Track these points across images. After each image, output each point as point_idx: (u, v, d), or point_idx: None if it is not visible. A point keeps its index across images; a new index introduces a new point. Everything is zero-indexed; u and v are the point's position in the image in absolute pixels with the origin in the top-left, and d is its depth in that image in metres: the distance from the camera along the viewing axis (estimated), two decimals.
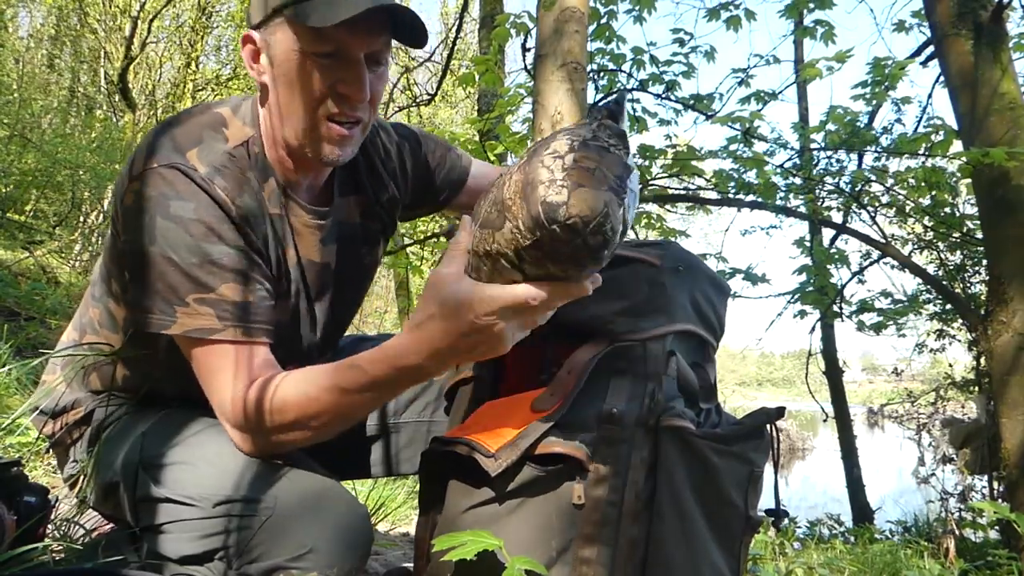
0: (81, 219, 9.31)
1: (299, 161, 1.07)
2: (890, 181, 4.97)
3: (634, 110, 4.65)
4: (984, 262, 4.80)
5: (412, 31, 1.02)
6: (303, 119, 1.01)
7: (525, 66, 4.48)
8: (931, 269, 5.89)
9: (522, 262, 0.75)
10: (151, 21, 10.10)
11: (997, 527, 4.37)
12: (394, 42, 1.05)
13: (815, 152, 5.06)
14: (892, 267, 6.07)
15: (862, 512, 6.67)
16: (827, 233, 6.29)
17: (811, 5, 4.33)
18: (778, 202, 4.78)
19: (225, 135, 1.03)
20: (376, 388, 0.90)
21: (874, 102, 4.53)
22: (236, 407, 0.94)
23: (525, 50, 3.86)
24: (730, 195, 4.85)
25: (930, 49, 4.79)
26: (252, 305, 0.98)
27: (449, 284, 0.81)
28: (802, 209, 5.09)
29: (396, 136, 1.27)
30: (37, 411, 1.19)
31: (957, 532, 4.57)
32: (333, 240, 1.15)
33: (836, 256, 5.56)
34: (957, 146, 3.89)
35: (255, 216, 1.02)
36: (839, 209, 5.51)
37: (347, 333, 1.33)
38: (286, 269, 1.09)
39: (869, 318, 6.21)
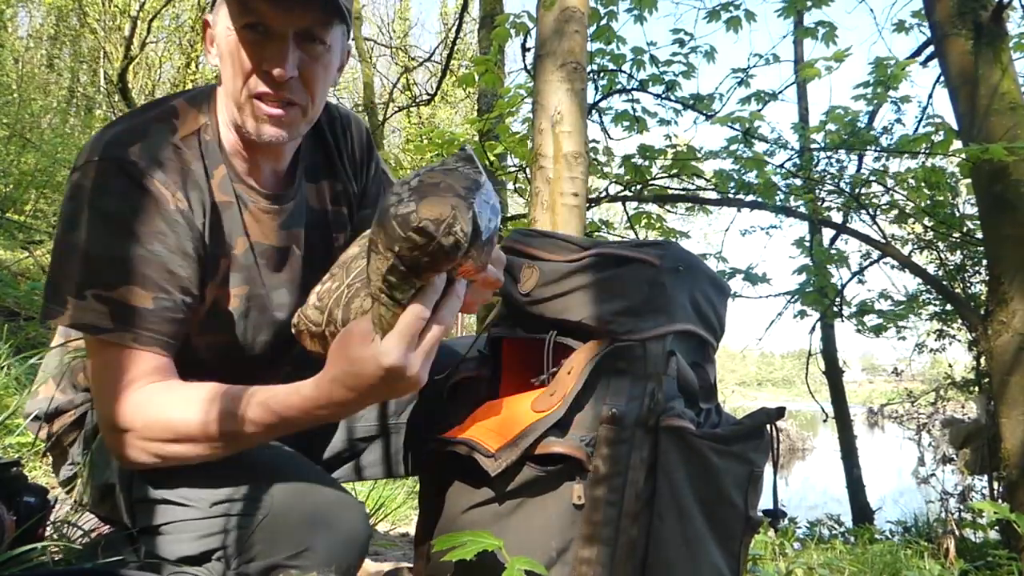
0: None
1: (248, 143, 1.06)
2: (890, 181, 4.98)
3: (634, 110, 4.66)
4: (984, 262, 4.80)
5: (333, 6, 0.99)
6: (236, 96, 1.00)
7: (525, 66, 4.48)
8: (931, 269, 5.89)
9: (393, 290, 0.79)
10: (151, 21, 10.11)
11: (997, 527, 4.37)
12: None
13: (815, 152, 5.06)
14: (892, 267, 6.08)
15: (862, 512, 6.67)
16: (827, 233, 6.30)
17: (808, 4, 4.33)
18: (778, 202, 4.78)
19: (175, 126, 1.02)
20: (282, 428, 0.90)
21: (875, 102, 4.53)
22: (113, 414, 0.92)
23: (525, 50, 3.86)
24: (730, 195, 4.85)
25: (930, 49, 4.80)
26: (151, 313, 0.94)
27: (353, 346, 0.83)
28: (802, 209, 5.10)
29: (367, 145, 1.27)
30: (31, 417, 1.19)
31: (957, 532, 4.57)
32: (299, 225, 1.14)
33: (836, 256, 5.57)
34: (957, 146, 3.90)
35: (197, 207, 1.01)
36: (839, 209, 5.51)
37: None
38: (230, 257, 1.06)
39: (869, 319, 6.21)
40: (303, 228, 1.15)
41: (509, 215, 5.54)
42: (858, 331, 6.24)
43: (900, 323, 6.43)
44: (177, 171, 1.00)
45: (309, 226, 1.16)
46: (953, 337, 6.68)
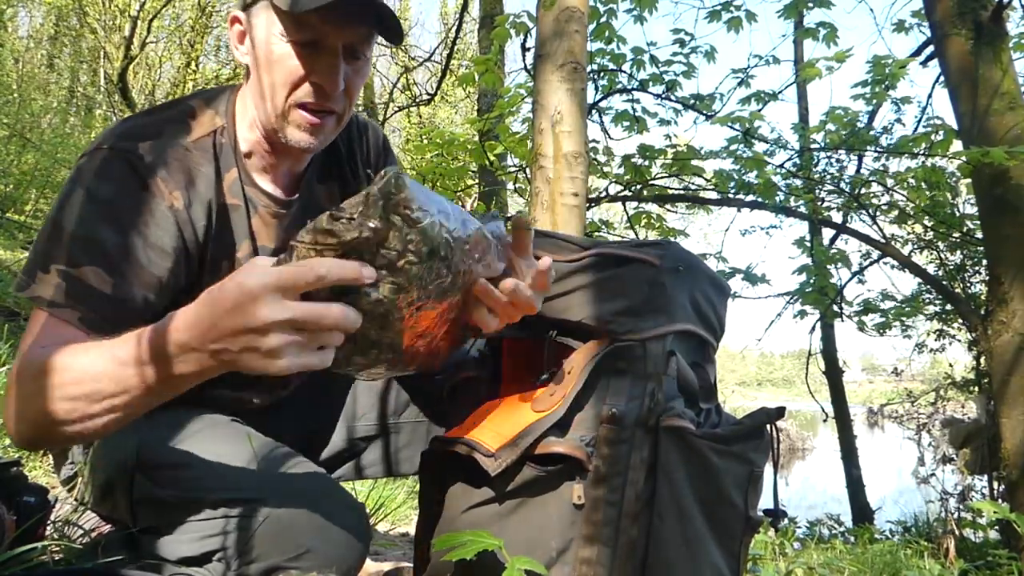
0: None
1: (275, 145, 1.07)
2: (890, 181, 4.98)
3: (634, 110, 4.66)
4: (984, 262, 4.80)
5: (388, 26, 1.01)
6: (276, 103, 1.01)
7: (525, 66, 4.48)
8: (931, 269, 5.89)
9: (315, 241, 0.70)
10: (151, 21, 10.11)
11: (997, 527, 4.37)
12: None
13: (815, 152, 5.06)
14: (892, 267, 6.08)
15: (862, 512, 6.67)
16: (827, 233, 6.30)
17: (810, 5, 4.33)
18: (778, 202, 4.78)
19: (189, 127, 1.03)
20: (144, 363, 0.78)
21: (874, 102, 4.53)
22: (12, 372, 0.87)
23: (525, 50, 3.86)
24: (730, 195, 4.85)
25: (930, 49, 4.79)
26: (108, 298, 0.91)
27: (242, 269, 0.74)
28: (802, 209, 5.09)
29: (383, 151, 1.27)
30: None
31: (957, 532, 4.57)
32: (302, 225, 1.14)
33: (836, 256, 5.56)
34: (957, 146, 3.90)
35: (200, 209, 1.01)
36: (839, 209, 5.51)
37: None
38: (234, 259, 1.07)
39: (872, 318, 6.21)
40: None
41: (509, 215, 5.53)
42: (860, 329, 6.24)
43: (905, 320, 6.43)
44: (182, 172, 1.00)
45: None
46: (953, 337, 6.68)
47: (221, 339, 0.72)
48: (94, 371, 0.80)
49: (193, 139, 1.03)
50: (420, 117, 14.04)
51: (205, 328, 0.73)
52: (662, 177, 5.04)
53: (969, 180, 4.15)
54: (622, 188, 5.02)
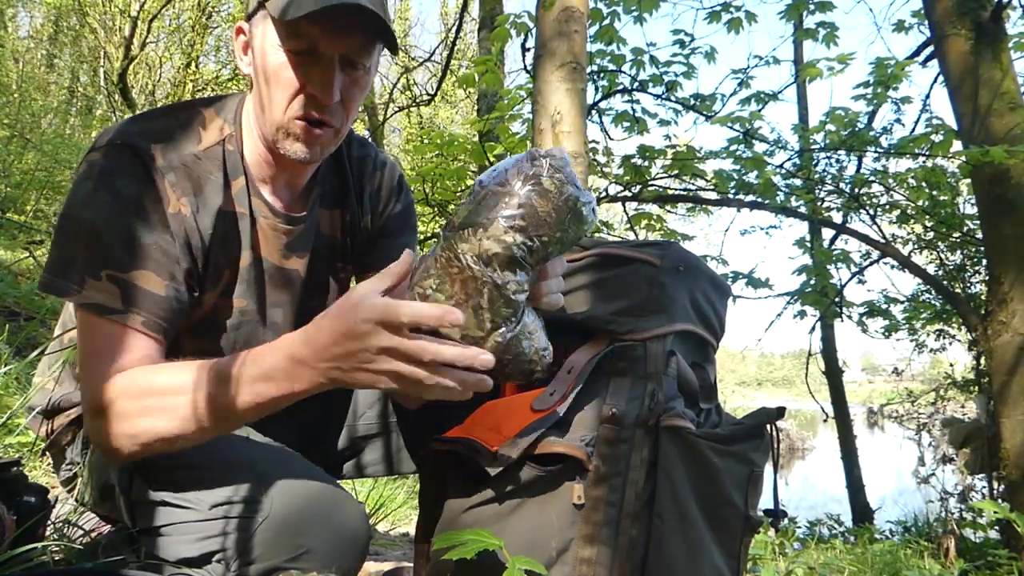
0: None
1: (275, 156, 1.06)
2: (890, 181, 4.98)
3: (634, 110, 4.65)
4: (984, 262, 4.80)
5: (384, 36, 1.00)
6: (274, 114, 1.01)
7: (525, 66, 4.48)
8: (931, 269, 5.89)
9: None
10: (151, 21, 10.11)
11: (997, 527, 4.36)
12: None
13: (815, 153, 5.05)
14: (892, 267, 6.08)
15: (862, 512, 6.67)
16: (827, 233, 6.30)
17: (811, 6, 4.33)
18: (778, 202, 4.78)
19: (200, 136, 1.03)
20: (264, 380, 0.83)
21: (875, 102, 4.53)
22: (100, 391, 0.90)
23: (525, 50, 3.86)
24: (730, 195, 4.85)
25: (930, 49, 4.79)
26: (163, 300, 0.95)
27: (356, 290, 0.80)
28: (802, 209, 5.09)
29: (397, 187, 1.26)
30: (33, 412, 1.19)
31: (957, 532, 4.56)
32: (306, 248, 1.14)
33: (838, 256, 5.56)
34: (957, 146, 3.90)
35: (206, 216, 1.02)
36: (839, 209, 5.51)
37: None
38: (236, 268, 1.07)
39: (877, 320, 6.21)
40: (309, 252, 1.15)
41: None
42: (864, 331, 6.24)
43: (912, 322, 6.44)
44: (191, 179, 1.00)
45: (316, 251, 1.16)
46: (953, 337, 6.67)
47: (334, 359, 0.79)
48: (203, 393, 0.86)
49: (203, 147, 1.03)
50: (420, 117, 14.04)
51: (319, 348, 0.80)
52: (662, 177, 5.04)
53: (969, 180, 4.15)
54: (622, 189, 5.02)
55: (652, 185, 5.05)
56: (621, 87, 4.54)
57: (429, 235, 5.89)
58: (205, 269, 1.03)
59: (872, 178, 5.03)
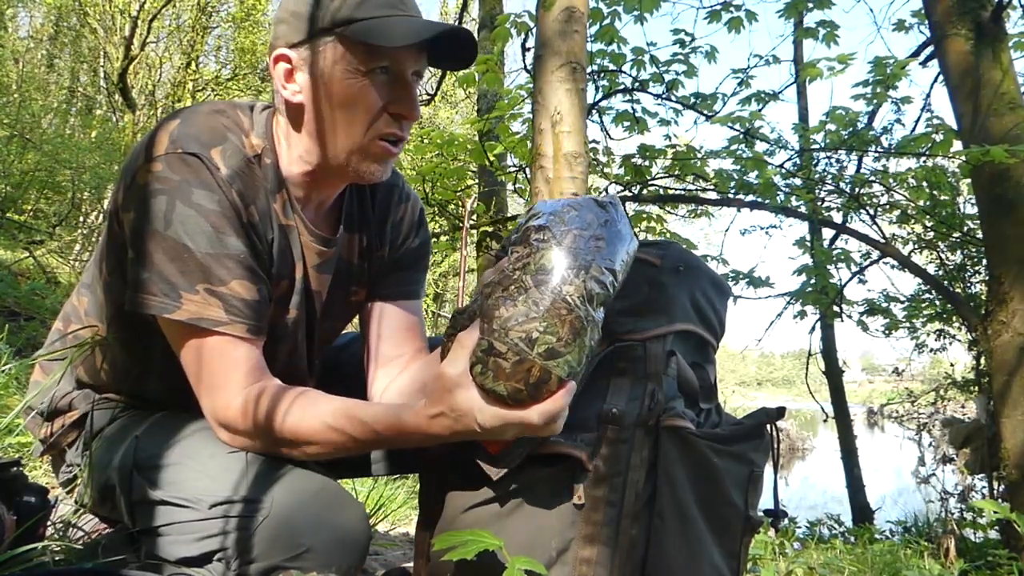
0: (81, 219, 9.32)
1: (318, 179, 1.07)
2: (890, 181, 4.97)
3: (634, 110, 4.65)
4: (984, 262, 4.80)
5: (464, 50, 1.03)
6: (354, 138, 1.01)
7: (525, 66, 4.48)
8: (931, 269, 5.89)
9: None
10: (151, 21, 10.10)
11: (997, 527, 4.37)
12: None
13: (815, 152, 5.05)
14: (892, 267, 6.08)
15: (862, 512, 6.67)
16: (827, 233, 6.30)
17: (810, 5, 4.33)
18: (778, 202, 4.78)
19: (244, 143, 1.03)
20: (377, 444, 0.94)
21: (875, 102, 4.53)
22: (244, 410, 0.94)
23: (525, 50, 3.86)
24: (730, 195, 4.84)
25: (930, 49, 4.79)
26: (258, 304, 0.99)
27: (460, 391, 0.82)
28: (802, 209, 5.09)
29: (417, 223, 1.27)
30: (32, 413, 1.19)
31: (957, 532, 4.57)
32: (330, 271, 1.16)
33: (838, 256, 5.56)
34: (957, 146, 3.89)
35: (266, 223, 1.03)
36: (839, 209, 5.51)
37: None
38: (293, 279, 1.09)
39: (877, 319, 6.21)
40: (333, 275, 1.17)
41: (509, 215, 5.54)
42: (864, 330, 6.24)
43: (912, 320, 6.44)
44: (250, 188, 1.01)
45: (338, 274, 1.18)
46: (953, 337, 6.68)
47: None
48: (335, 443, 0.94)
49: (252, 154, 1.03)
50: (421, 117, 14.04)
51: (444, 440, 0.87)
52: (662, 177, 5.04)
53: (969, 180, 4.15)
54: (622, 188, 5.02)
55: (652, 185, 5.05)
56: (621, 87, 4.54)
57: (432, 233, 5.88)
58: (270, 277, 1.05)
59: (872, 178, 5.03)
